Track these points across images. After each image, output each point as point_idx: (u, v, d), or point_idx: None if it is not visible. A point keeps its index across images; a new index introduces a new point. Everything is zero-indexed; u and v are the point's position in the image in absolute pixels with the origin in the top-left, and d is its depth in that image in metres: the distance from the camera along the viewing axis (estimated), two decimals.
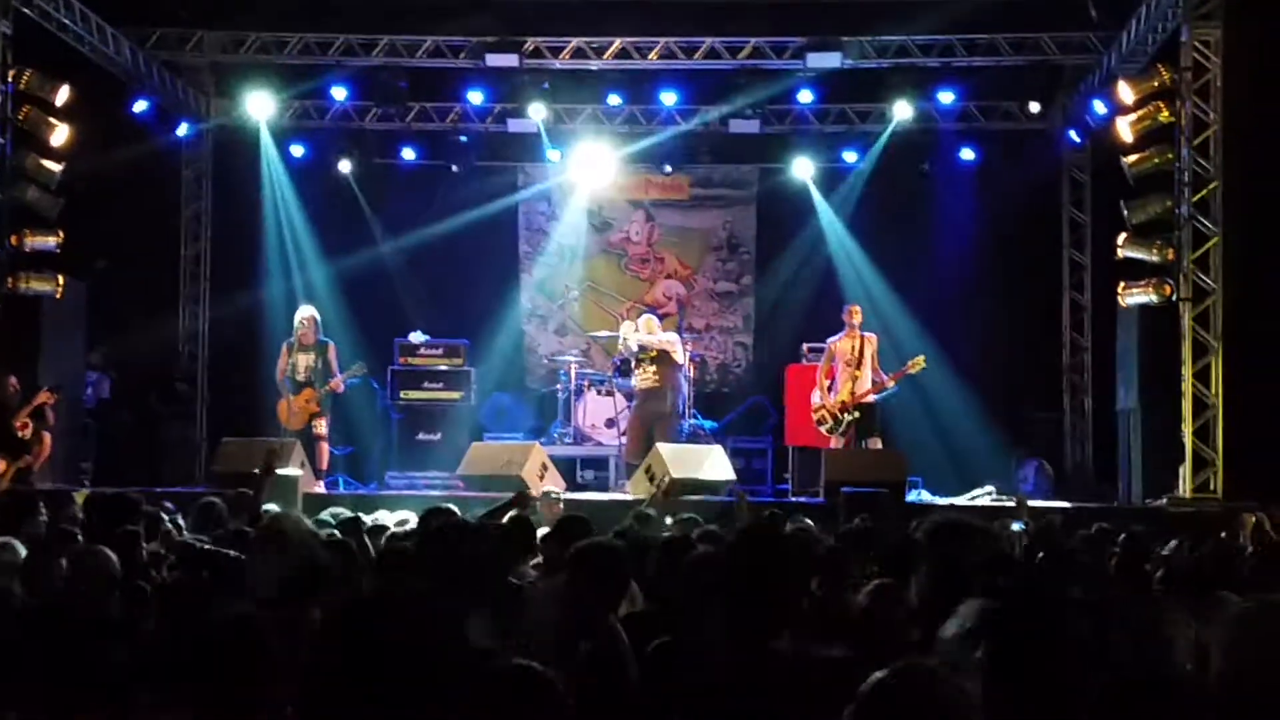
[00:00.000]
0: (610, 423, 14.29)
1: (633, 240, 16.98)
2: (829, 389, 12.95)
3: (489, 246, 16.70)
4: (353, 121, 16.16)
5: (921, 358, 12.86)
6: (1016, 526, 8.39)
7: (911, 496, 12.33)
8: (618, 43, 14.79)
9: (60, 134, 12.70)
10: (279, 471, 11.09)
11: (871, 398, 12.86)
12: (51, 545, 5.90)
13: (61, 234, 12.72)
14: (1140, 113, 12.37)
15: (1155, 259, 12.28)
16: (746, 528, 4.89)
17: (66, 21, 13.13)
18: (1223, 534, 8.48)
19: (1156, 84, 12.31)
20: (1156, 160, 12.32)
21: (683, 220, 17.02)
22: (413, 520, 7.68)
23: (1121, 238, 12.52)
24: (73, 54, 13.49)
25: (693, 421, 14.17)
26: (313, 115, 16.20)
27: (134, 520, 6.45)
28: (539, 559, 6.27)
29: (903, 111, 14.99)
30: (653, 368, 13.07)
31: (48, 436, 12.60)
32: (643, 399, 13.16)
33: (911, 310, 15.35)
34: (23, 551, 5.61)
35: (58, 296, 12.85)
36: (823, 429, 13.00)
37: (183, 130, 15.49)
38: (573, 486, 12.91)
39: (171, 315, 16.12)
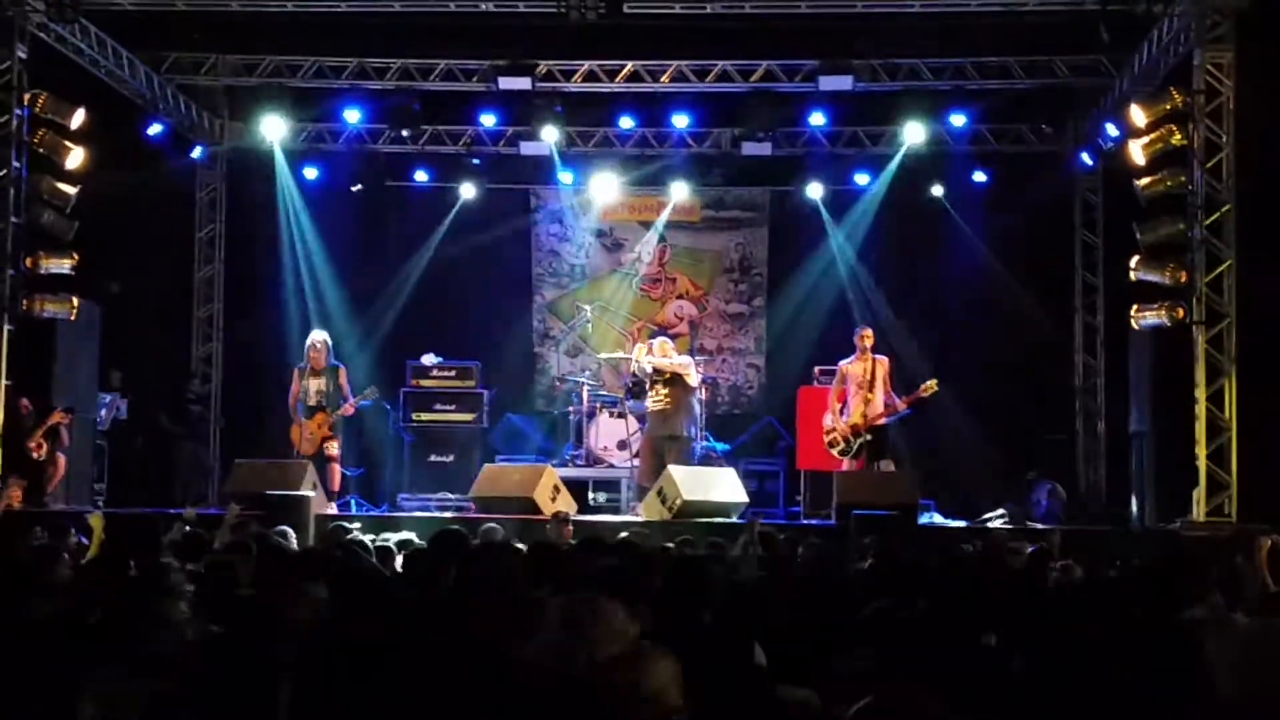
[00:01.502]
0: (622, 445, 14.28)
1: (644, 261, 17.00)
2: (841, 412, 12.95)
3: (501, 268, 16.76)
4: (366, 144, 16.23)
5: (934, 381, 12.81)
6: (1029, 549, 8.37)
7: (923, 519, 12.28)
8: (629, 65, 14.82)
9: (75, 157, 12.74)
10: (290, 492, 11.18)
11: (883, 421, 12.84)
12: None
13: (76, 256, 12.72)
14: (1152, 135, 12.33)
15: (1168, 281, 12.20)
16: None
17: (82, 46, 13.22)
18: (1238, 558, 8.42)
19: (1169, 107, 12.26)
20: (1169, 183, 12.26)
21: (694, 242, 17.04)
22: (415, 539, 7.71)
23: (1134, 260, 12.44)
24: (88, 78, 13.57)
25: (705, 444, 14.15)
26: (326, 138, 16.28)
27: (153, 540, 6.53)
28: None
29: (914, 134, 14.99)
30: (665, 390, 13.06)
31: (62, 457, 12.66)
32: (655, 421, 13.14)
33: (923, 333, 15.32)
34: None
35: (72, 319, 12.87)
36: (834, 451, 12.97)
37: (197, 153, 15.62)
38: (584, 509, 12.91)
39: (185, 338, 16.18)
